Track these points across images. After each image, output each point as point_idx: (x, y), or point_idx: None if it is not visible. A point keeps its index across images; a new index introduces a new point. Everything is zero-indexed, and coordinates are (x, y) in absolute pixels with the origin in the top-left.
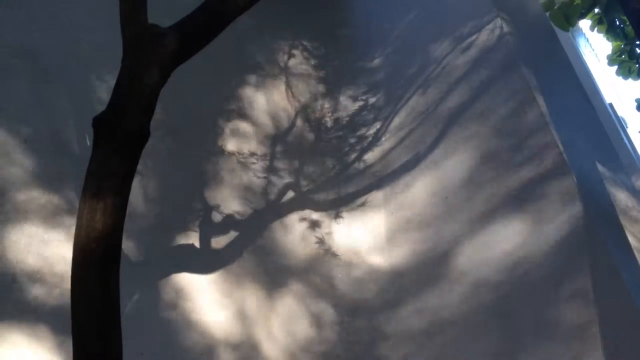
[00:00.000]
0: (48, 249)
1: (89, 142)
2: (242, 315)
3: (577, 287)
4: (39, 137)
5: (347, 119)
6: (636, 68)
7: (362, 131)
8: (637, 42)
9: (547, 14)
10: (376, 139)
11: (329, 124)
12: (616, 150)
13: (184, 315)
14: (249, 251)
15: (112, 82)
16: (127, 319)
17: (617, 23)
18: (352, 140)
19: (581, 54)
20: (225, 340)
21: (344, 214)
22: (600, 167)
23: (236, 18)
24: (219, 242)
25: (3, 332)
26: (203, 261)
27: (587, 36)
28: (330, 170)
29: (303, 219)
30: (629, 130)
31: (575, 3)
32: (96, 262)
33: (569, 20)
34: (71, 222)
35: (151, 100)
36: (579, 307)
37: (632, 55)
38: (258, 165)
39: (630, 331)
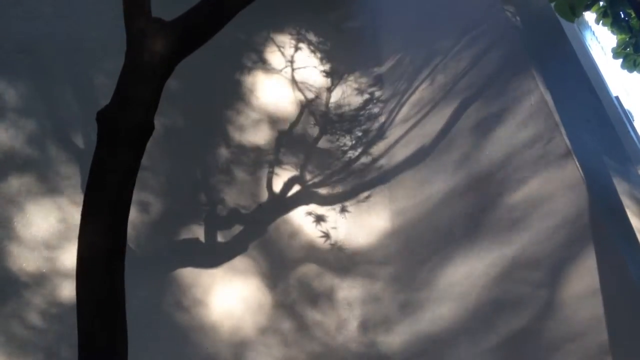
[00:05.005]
0: (53, 244)
1: (93, 137)
2: (247, 309)
3: (583, 280)
4: (43, 131)
5: (352, 112)
6: None
7: (367, 125)
8: None
9: (552, 5)
10: (381, 132)
11: (334, 117)
12: (623, 143)
13: (189, 309)
14: (254, 245)
15: (117, 76)
16: (132, 313)
17: (622, 16)
18: (358, 134)
19: (587, 47)
20: (231, 334)
21: (350, 208)
22: (606, 160)
23: (240, 10)
24: (224, 236)
25: (6, 329)
26: (208, 255)
27: (593, 29)
28: (336, 164)
29: (308, 214)
30: (635, 123)
31: None
32: (101, 256)
33: (574, 11)
34: (76, 217)
35: (155, 94)
36: (586, 301)
37: (637, 48)
38: (263, 160)
39: (638, 324)
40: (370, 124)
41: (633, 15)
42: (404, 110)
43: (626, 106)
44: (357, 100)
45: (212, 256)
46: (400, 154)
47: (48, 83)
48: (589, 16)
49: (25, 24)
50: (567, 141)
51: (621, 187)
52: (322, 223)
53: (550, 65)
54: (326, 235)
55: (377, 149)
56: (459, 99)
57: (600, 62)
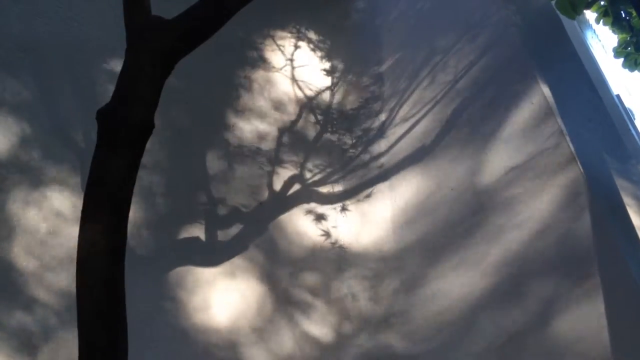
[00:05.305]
0: (53, 243)
1: (93, 136)
2: (247, 308)
3: (584, 279)
4: (43, 130)
5: (353, 111)
6: None
7: (368, 123)
8: None
9: (553, 2)
10: (382, 130)
11: (335, 116)
12: (624, 142)
13: (190, 308)
14: (255, 244)
15: (117, 75)
16: (132, 313)
17: (623, 15)
18: (358, 133)
19: (588, 46)
20: (231, 333)
21: (350, 207)
22: (607, 158)
23: (240, 9)
24: (224, 235)
25: (8, 328)
26: (208, 254)
27: (594, 27)
28: (336, 163)
29: (309, 212)
30: (636, 122)
31: None
32: (101, 256)
33: (575, 9)
34: (76, 216)
35: (155, 92)
36: (586, 299)
37: (638, 47)
38: (263, 158)
39: (639, 323)
40: (371, 123)
41: (634, 14)
42: (405, 108)
43: (627, 105)
44: (357, 99)
45: (213, 255)
46: (401, 152)
47: (48, 82)
48: (590, 15)
49: (26, 23)
50: (568, 140)
51: (622, 186)
52: (322, 222)
53: (551, 63)
54: (327, 234)
55: (378, 147)
56: (459, 97)
57: (601, 61)
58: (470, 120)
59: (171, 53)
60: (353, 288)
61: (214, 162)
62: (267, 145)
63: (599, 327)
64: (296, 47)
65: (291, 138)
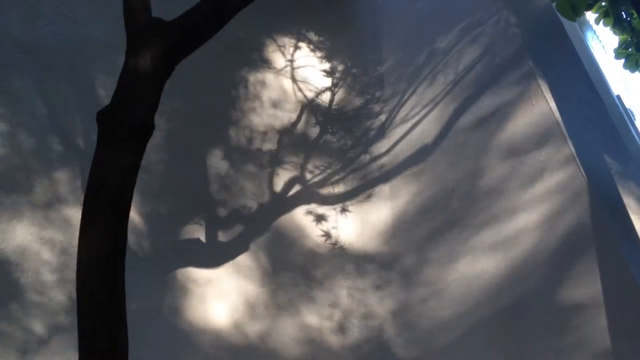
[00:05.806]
0: (53, 244)
1: (94, 137)
2: (248, 309)
3: (584, 280)
4: (44, 132)
5: (353, 112)
6: None
7: (368, 124)
8: None
9: (554, 4)
10: (382, 132)
11: (335, 117)
12: (624, 142)
13: (190, 309)
14: (255, 245)
15: (117, 76)
16: (133, 313)
17: (624, 16)
18: (358, 134)
19: (588, 46)
20: (231, 334)
21: (351, 208)
22: (608, 159)
23: (241, 10)
24: (225, 236)
25: (8, 328)
26: (209, 255)
27: (594, 28)
28: (336, 164)
29: (309, 213)
30: (636, 122)
31: None
32: (102, 257)
33: (575, 11)
34: (77, 217)
35: (155, 93)
36: (587, 300)
37: (638, 48)
38: (264, 160)
39: (639, 323)
40: (371, 123)
41: (635, 15)
42: (405, 109)
43: (627, 105)
44: (357, 100)
45: (213, 256)
46: (401, 153)
47: (49, 83)
48: (590, 15)
49: (26, 24)
50: (568, 140)
51: (622, 187)
52: (323, 222)
53: (551, 64)
54: (327, 235)
55: (378, 148)
56: (459, 98)
57: (601, 61)
58: (470, 121)
59: (172, 54)
60: (353, 288)
61: (214, 163)
62: (268, 146)
63: (599, 327)
64: (296, 48)
65: (291, 139)
